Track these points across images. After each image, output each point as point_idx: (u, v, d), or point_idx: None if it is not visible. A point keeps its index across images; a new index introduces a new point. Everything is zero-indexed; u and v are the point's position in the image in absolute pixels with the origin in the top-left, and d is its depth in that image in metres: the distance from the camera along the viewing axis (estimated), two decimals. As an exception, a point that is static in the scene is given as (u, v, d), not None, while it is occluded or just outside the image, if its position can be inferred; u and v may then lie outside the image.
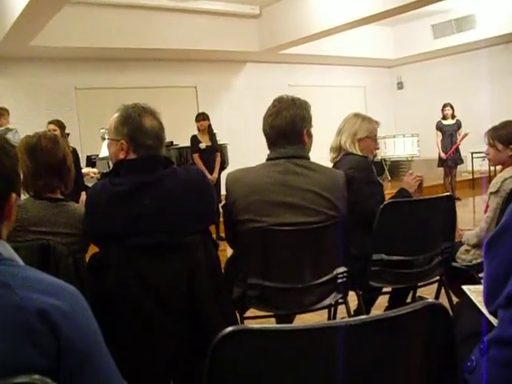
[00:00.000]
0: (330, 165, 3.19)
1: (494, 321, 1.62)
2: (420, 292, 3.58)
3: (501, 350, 1.40)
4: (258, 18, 11.02)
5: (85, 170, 7.17)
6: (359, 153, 3.21)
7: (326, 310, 3.22)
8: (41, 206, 2.38)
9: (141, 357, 2.14)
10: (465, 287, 1.98)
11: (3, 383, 0.91)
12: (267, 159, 2.62)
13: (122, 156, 2.27)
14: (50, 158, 2.40)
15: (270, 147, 2.62)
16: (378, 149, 3.49)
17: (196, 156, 7.88)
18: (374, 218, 2.82)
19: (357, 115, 3.37)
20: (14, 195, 1.18)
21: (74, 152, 6.25)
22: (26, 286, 1.03)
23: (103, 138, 7.60)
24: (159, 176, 2.21)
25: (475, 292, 1.91)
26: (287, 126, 2.55)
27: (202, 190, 2.32)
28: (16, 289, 1.01)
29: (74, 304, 1.07)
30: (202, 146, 7.87)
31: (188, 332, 2.16)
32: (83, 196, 6.06)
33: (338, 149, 3.31)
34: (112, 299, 2.13)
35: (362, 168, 3.11)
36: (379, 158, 11.10)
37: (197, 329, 2.14)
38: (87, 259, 2.43)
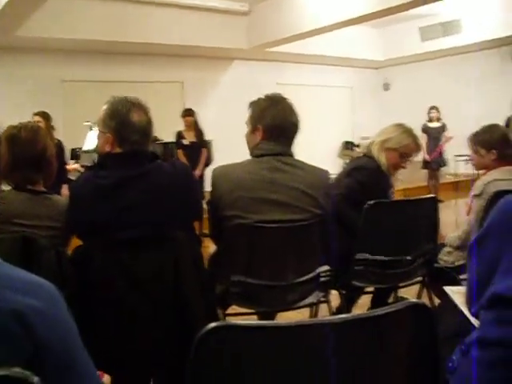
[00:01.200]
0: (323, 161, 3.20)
1: (474, 322, 1.63)
2: (402, 293, 3.60)
3: (482, 350, 1.41)
4: (248, 15, 11.00)
5: (71, 166, 7.14)
6: (381, 160, 3.17)
7: (308, 309, 3.22)
8: (23, 198, 2.35)
9: (123, 349, 2.13)
10: (447, 288, 1.99)
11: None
12: (253, 156, 2.62)
13: (107, 149, 2.26)
14: (28, 150, 2.38)
15: (259, 142, 2.61)
16: (402, 167, 3.31)
17: (180, 152, 7.88)
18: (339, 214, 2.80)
19: (400, 126, 3.31)
20: None
21: (59, 144, 6.21)
22: (1, 286, 0.98)
23: (91, 129, 7.57)
24: (144, 170, 2.21)
25: (457, 293, 1.92)
26: (285, 121, 2.58)
27: (188, 184, 2.32)
28: None
29: (50, 302, 1.03)
30: (185, 142, 7.87)
31: (172, 325, 2.15)
32: (64, 189, 6.02)
33: (367, 147, 3.28)
34: (96, 292, 2.12)
35: (360, 167, 3.12)
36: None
37: (181, 322, 2.14)
38: (70, 252, 2.42)
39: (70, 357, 1.04)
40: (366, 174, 3.07)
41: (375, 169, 3.16)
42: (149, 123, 2.29)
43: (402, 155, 3.20)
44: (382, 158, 3.16)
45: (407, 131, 3.24)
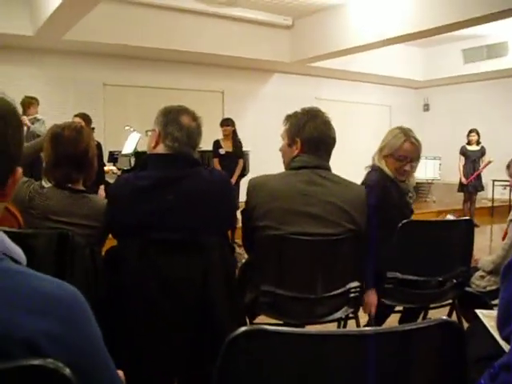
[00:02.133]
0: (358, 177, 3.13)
1: (505, 346, 1.62)
2: (431, 314, 3.56)
3: (511, 375, 1.40)
4: (291, 29, 11.05)
5: (106, 167, 7.25)
6: (386, 168, 3.10)
7: (336, 324, 3.20)
8: (62, 196, 2.40)
9: (149, 350, 2.15)
10: (478, 311, 1.98)
11: (16, 365, 0.90)
12: (290, 168, 2.63)
13: (152, 145, 2.32)
14: (70, 149, 2.42)
15: (296, 155, 2.62)
16: (405, 171, 3.09)
17: (216, 161, 7.96)
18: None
19: (394, 129, 3.21)
20: (19, 170, 1.08)
21: (98, 146, 6.32)
22: (13, 303, 0.92)
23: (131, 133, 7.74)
24: (184, 174, 2.24)
25: (488, 317, 1.90)
26: (323, 135, 2.60)
27: (225, 192, 2.35)
28: (2, 309, 0.90)
29: (69, 321, 0.97)
30: (222, 151, 7.94)
31: (199, 330, 2.17)
32: (101, 190, 6.13)
33: (373, 159, 3.23)
34: (127, 292, 2.15)
35: (365, 185, 3.05)
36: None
37: (208, 327, 2.15)
38: (104, 252, 2.46)
39: (86, 370, 1.00)
40: (369, 192, 2.82)
41: (379, 181, 3.06)
42: (196, 130, 2.35)
43: (399, 158, 3.07)
44: (384, 167, 3.11)
45: (399, 133, 3.13)
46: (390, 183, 3.08)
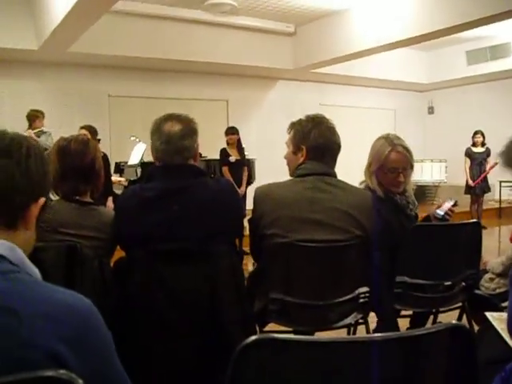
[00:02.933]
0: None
1: (516, 349, 1.62)
2: (441, 318, 3.55)
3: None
4: (293, 36, 11.07)
5: (114, 178, 7.27)
6: (375, 186, 2.97)
7: (346, 330, 3.20)
8: (70, 208, 2.42)
9: (159, 361, 2.16)
10: (488, 314, 1.97)
11: (29, 376, 0.91)
12: (296, 175, 2.63)
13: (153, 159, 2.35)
14: (77, 162, 2.44)
15: (302, 162, 2.63)
16: (399, 182, 2.94)
17: (225, 169, 7.95)
18: None
19: (377, 141, 3.05)
20: (36, 203, 1.14)
21: (105, 157, 6.33)
22: (35, 315, 0.96)
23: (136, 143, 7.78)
24: (189, 184, 2.25)
25: (498, 319, 1.90)
26: (328, 141, 2.60)
27: (232, 201, 2.36)
28: (24, 318, 0.94)
29: (82, 327, 1.01)
30: (232, 159, 7.93)
31: (208, 340, 2.17)
32: (109, 201, 6.15)
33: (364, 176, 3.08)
34: (135, 303, 2.16)
35: None
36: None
37: (218, 337, 2.16)
38: (112, 263, 2.46)
39: (102, 376, 1.04)
40: None
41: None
42: (178, 133, 2.29)
43: (391, 170, 2.92)
44: (374, 184, 2.97)
45: (384, 144, 2.96)
46: (381, 204, 2.91)
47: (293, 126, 2.72)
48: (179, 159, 2.29)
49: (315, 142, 2.58)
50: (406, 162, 2.96)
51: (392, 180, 2.96)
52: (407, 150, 2.98)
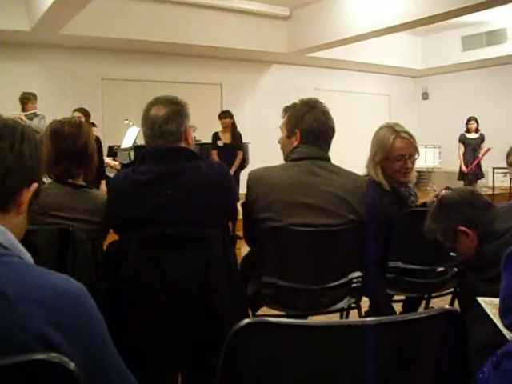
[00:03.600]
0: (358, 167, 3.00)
1: (507, 334, 1.62)
2: (433, 303, 3.56)
3: (513, 363, 1.40)
4: (288, 19, 11.02)
5: (107, 160, 7.24)
6: (380, 177, 2.93)
7: (338, 314, 3.21)
8: (62, 191, 2.40)
9: (152, 345, 2.16)
10: (479, 299, 1.97)
11: (20, 360, 0.91)
12: (290, 159, 2.63)
13: None
14: (70, 144, 2.42)
15: (296, 146, 2.62)
16: (408, 169, 2.91)
17: (214, 153, 8.00)
18: None
19: (380, 129, 3.01)
20: (28, 188, 1.14)
21: (97, 141, 6.31)
22: (26, 298, 0.96)
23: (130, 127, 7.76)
24: (182, 167, 2.24)
25: (490, 304, 1.90)
26: (322, 125, 2.59)
27: (225, 185, 2.35)
28: (14, 301, 0.94)
29: (74, 311, 1.01)
30: (220, 143, 7.98)
31: (200, 324, 2.18)
32: (103, 185, 6.14)
33: (366, 168, 3.05)
34: (128, 286, 2.16)
35: None
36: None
37: (211, 320, 2.16)
38: (105, 246, 2.46)
39: (96, 361, 1.04)
40: None
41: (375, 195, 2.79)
42: (162, 117, 2.26)
43: (396, 159, 2.89)
44: (380, 176, 2.93)
45: (387, 132, 2.93)
46: (386, 196, 2.92)
47: (287, 109, 2.70)
48: (162, 143, 2.26)
49: (309, 125, 2.57)
50: (412, 148, 2.94)
51: (400, 168, 2.92)
52: (410, 135, 2.95)
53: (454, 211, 2.29)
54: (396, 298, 3.29)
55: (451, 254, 2.66)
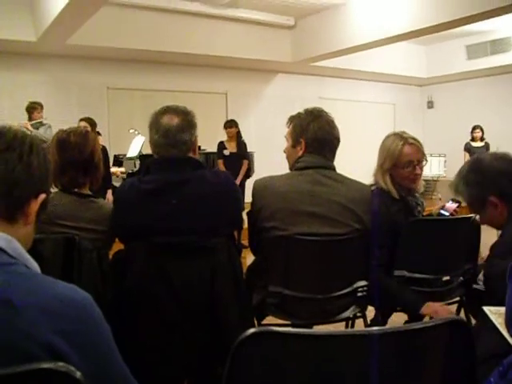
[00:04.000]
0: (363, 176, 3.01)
1: (514, 344, 1.61)
2: (439, 312, 3.55)
3: (520, 373, 1.39)
4: (293, 29, 11.04)
5: (112, 169, 7.26)
6: (389, 185, 2.89)
7: (344, 323, 3.20)
8: (68, 200, 2.41)
9: (158, 354, 2.16)
10: (485, 308, 1.96)
11: (27, 369, 0.91)
12: (295, 169, 2.63)
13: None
14: (76, 154, 2.43)
15: (301, 155, 2.63)
16: (417, 175, 2.91)
17: (220, 162, 7.99)
18: None
19: (387, 138, 3.00)
20: (36, 199, 1.14)
21: (104, 150, 6.33)
22: (32, 307, 0.96)
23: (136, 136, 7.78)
24: (188, 177, 2.24)
25: (496, 314, 1.89)
26: (327, 134, 2.60)
27: (230, 194, 2.34)
28: (21, 309, 0.94)
29: (80, 321, 1.01)
30: (226, 152, 7.97)
31: (206, 333, 2.18)
32: (109, 194, 6.15)
33: (374, 178, 3.00)
34: (133, 295, 2.16)
35: None
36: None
37: (216, 330, 2.16)
38: (111, 256, 2.46)
39: (102, 369, 1.04)
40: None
41: (381, 208, 2.78)
42: (176, 127, 2.27)
43: (406, 164, 2.87)
44: (389, 183, 2.90)
45: (395, 140, 2.92)
46: (393, 204, 2.89)
47: (292, 119, 2.71)
48: (175, 152, 2.27)
49: (314, 135, 2.58)
50: (420, 154, 2.93)
51: (409, 174, 2.90)
52: (418, 141, 2.95)
53: (489, 180, 2.15)
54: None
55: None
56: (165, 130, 2.26)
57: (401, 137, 2.93)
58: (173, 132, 2.25)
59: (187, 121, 2.30)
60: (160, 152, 2.29)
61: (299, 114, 2.69)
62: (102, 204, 2.51)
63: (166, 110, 2.31)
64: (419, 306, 2.60)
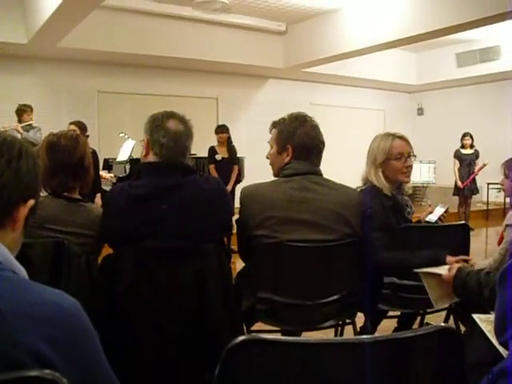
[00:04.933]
0: (353, 182, 3.07)
1: (503, 352, 1.61)
2: (428, 319, 3.56)
3: (509, 381, 1.39)
4: (284, 35, 11.07)
5: (101, 173, 7.22)
6: (382, 181, 2.94)
7: (333, 329, 3.20)
8: (57, 205, 2.40)
9: (146, 360, 2.14)
10: (475, 316, 1.97)
11: (13, 376, 0.90)
12: (283, 175, 2.61)
13: (144, 154, 2.33)
14: (66, 158, 2.42)
15: (288, 162, 2.61)
16: (409, 167, 3.01)
17: (212, 167, 7.96)
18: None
19: (375, 138, 3.09)
20: (25, 204, 1.13)
21: (94, 154, 6.29)
22: (20, 314, 0.94)
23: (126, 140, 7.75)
24: (178, 182, 2.23)
25: (485, 321, 1.90)
26: (314, 140, 2.59)
27: (221, 200, 2.34)
28: (8, 316, 0.93)
29: (68, 327, 1.00)
30: (218, 157, 7.95)
31: (195, 338, 2.17)
32: (98, 198, 6.11)
33: (365, 180, 3.08)
34: (122, 301, 2.14)
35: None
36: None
37: (206, 335, 2.15)
38: (100, 260, 2.45)
39: (89, 376, 1.03)
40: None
41: (374, 205, 2.87)
42: (185, 134, 2.31)
43: (397, 157, 2.96)
44: (381, 179, 2.95)
45: (384, 136, 3.04)
46: (386, 200, 2.94)
47: (275, 125, 2.70)
48: (182, 158, 2.31)
49: (301, 140, 2.57)
50: (409, 147, 3.04)
51: (401, 167, 2.97)
52: (405, 137, 3.06)
53: None
54: (391, 313, 3.29)
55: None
56: (175, 135, 2.28)
57: (388, 134, 3.05)
58: (183, 139, 2.30)
59: (190, 129, 2.35)
60: (167, 155, 2.27)
61: (283, 119, 2.67)
62: (91, 208, 2.50)
63: (172, 116, 2.33)
64: (444, 254, 2.63)
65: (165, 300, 2.14)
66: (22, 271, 1.12)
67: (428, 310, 3.22)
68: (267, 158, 2.76)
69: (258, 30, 10.67)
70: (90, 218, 2.43)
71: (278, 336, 1.09)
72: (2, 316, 0.93)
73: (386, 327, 3.47)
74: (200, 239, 2.19)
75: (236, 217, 2.64)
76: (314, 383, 1.10)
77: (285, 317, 2.57)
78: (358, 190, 2.97)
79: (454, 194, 10.33)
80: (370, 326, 2.98)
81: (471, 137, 10.28)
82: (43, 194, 2.43)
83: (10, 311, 0.94)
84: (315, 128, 2.62)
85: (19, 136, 6.54)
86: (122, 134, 8.21)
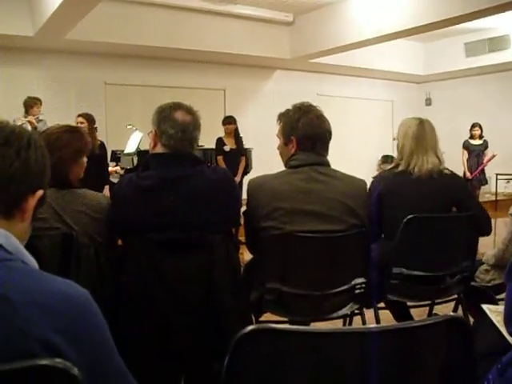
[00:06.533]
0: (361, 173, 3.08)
1: (512, 341, 1.61)
2: (436, 310, 3.55)
3: (518, 371, 1.39)
4: (291, 25, 11.03)
5: (110, 168, 7.23)
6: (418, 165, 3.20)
7: (341, 320, 3.20)
8: (51, 193, 2.37)
9: (155, 350, 2.15)
10: (484, 306, 1.97)
11: (24, 365, 0.91)
12: (289, 167, 2.61)
13: (152, 145, 2.32)
14: (57, 151, 2.40)
15: (294, 153, 2.61)
16: None
17: (220, 158, 7.95)
18: None
19: (402, 124, 3.38)
20: (33, 195, 1.13)
21: (102, 146, 6.30)
22: (30, 304, 0.94)
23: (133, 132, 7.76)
24: (186, 173, 2.24)
25: (495, 312, 1.90)
26: (318, 129, 2.58)
27: (229, 191, 2.34)
28: (19, 306, 0.93)
29: (78, 317, 1.00)
30: (227, 148, 7.93)
31: (203, 328, 2.17)
32: (106, 190, 6.12)
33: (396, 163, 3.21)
34: (130, 291, 2.15)
35: None
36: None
37: (214, 326, 2.15)
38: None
39: (99, 365, 1.03)
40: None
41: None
42: (192, 124, 2.31)
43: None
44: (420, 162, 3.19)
45: (408, 121, 3.35)
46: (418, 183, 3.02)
47: (281, 117, 2.69)
48: (190, 149, 2.31)
49: (304, 131, 2.55)
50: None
51: None
52: None
53: None
54: (382, 305, 3.24)
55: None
56: (183, 126, 2.27)
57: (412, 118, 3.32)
58: (190, 129, 2.29)
59: (198, 120, 2.35)
60: (175, 146, 2.27)
61: (288, 110, 2.66)
62: (83, 192, 2.42)
63: (179, 107, 2.32)
64: None
65: (172, 290, 2.14)
66: (33, 261, 1.12)
67: (437, 301, 3.22)
68: (278, 149, 2.76)
69: (265, 21, 10.63)
70: (87, 198, 2.36)
71: (287, 325, 1.08)
72: (13, 306, 0.93)
73: (389, 318, 3.46)
74: (208, 230, 2.19)
75: (243, 208, 2.64)
76: (323, 373, 1.10)
77: (293, 307, 2.57)
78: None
79: (462, 185, 10.28)
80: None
81: (480, 127, 10.21)
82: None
83: (20, 301, 0.94)
84: (319, 117, 2.60)
85: (29, 128, 6.55)
86: (129, 126, 8.22)
